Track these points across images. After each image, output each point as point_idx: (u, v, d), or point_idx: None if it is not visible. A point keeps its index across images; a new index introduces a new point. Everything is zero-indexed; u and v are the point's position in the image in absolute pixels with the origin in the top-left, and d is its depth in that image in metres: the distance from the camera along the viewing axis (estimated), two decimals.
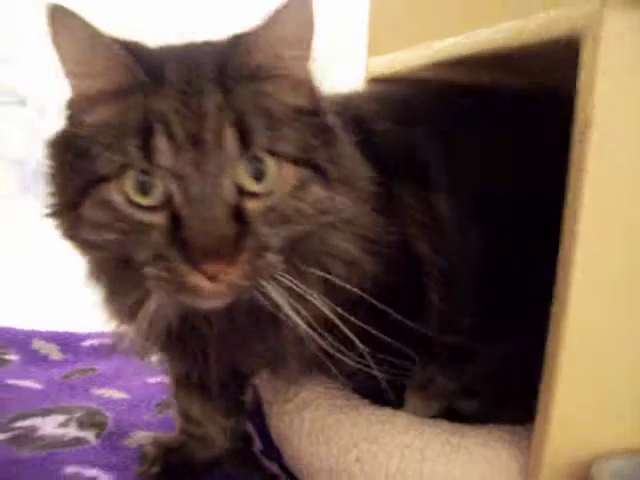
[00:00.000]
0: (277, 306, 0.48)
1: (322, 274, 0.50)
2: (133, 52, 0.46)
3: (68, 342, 0.97)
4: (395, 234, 0.56)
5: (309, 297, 0.48)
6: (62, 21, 0.44)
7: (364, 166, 0.52)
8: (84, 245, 0.49)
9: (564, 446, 0.53)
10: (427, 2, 0.92)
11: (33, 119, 1.66)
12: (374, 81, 0.97)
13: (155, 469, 0.65)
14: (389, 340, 0.53)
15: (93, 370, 0.91)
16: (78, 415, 0.77)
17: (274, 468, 0.68)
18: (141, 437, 0.72)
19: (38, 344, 0.97)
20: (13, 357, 0.94)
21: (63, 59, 0.46)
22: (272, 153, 0.45)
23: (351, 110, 0.58)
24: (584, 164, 0.48)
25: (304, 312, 0.48)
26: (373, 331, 0.51)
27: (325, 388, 0.65)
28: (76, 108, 0.48)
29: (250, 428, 0.73)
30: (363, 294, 0.52)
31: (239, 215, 0.44)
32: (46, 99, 1.62)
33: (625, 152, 0.48)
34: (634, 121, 0.48)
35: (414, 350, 0.57)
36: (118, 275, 0.50)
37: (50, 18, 0.44)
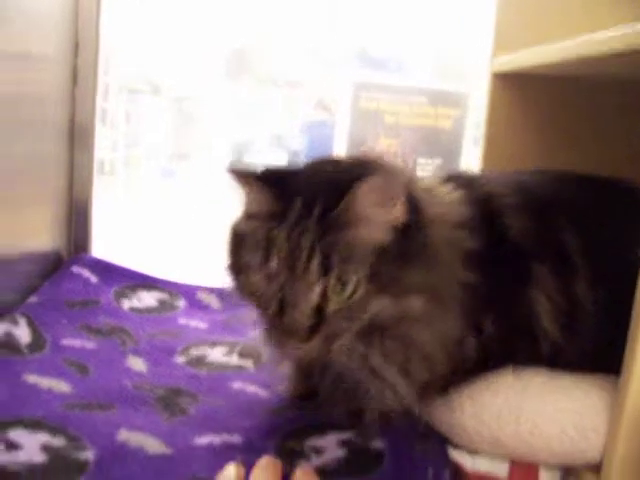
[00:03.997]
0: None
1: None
2: (275, 188, 0.64)
3: (225, 295, 1.17)
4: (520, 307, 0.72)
5: (384, 373, 0.66)
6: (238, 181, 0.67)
7: (458, 273, 0.67)
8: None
9: None
10: (548, 7, 1.02)
11: (167, 107, 1.81)
12: (497, 76, 1.09)
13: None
14: None
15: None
16: (238, 348, 0.96)
17: None
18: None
19: (201, 295, 1.17)
20: (181, 304, 1.15)
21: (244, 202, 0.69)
22: (343, 281, 0.61)
23: (491, 205, 0.74)
24: None
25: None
26: None
27: None
28: (242, 216, 0.70)
29: None
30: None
31: (320, 310, 0.62)
32: (178, 89, 1.75)
33: None
34: None
35: None
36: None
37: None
